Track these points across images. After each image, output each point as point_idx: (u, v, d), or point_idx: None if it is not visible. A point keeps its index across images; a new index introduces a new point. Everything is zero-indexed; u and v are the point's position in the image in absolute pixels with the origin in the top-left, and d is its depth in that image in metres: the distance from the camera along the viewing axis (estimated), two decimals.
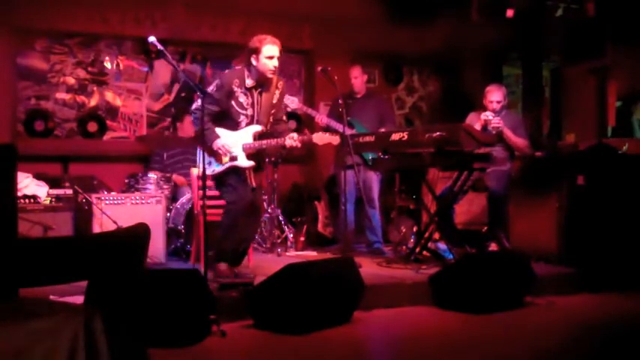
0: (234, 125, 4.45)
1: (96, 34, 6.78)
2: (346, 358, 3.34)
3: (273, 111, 4.56)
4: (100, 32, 6.75)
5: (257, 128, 4.47)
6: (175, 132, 6.79)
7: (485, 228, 5.66)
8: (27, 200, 5.04)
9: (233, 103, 4.40)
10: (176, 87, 7.15)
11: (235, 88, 4.40)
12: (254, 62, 4.37)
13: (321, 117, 5.86)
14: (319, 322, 3.64)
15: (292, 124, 7.63)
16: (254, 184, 4.54)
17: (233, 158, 4.42)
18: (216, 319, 3.46)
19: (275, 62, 4.35)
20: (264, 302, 3.68)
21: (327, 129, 5.82)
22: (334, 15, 7.29)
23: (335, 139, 4.52)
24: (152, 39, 4.12)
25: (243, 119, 4.45)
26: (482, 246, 5.51)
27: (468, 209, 5.92)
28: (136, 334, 2.49)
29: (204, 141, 4.36)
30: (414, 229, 6.00)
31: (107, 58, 6.94)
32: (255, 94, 4.46)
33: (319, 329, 3.61)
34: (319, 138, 4.46)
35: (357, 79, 5.96)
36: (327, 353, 3.36)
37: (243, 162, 4.44)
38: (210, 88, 4.42)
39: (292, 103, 5.64)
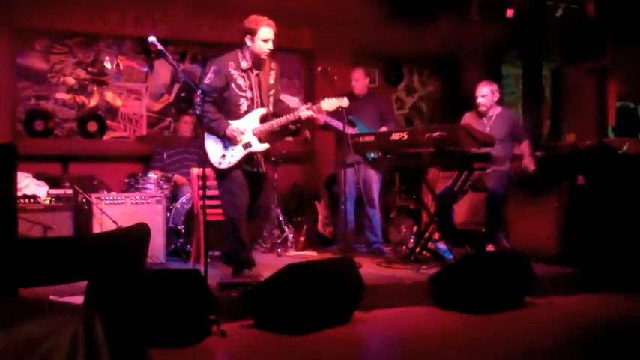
0: (235, 111, 4.38)
1: (96, 34, 6.78)
2: (346, 358, 3.34)
3: (271, 92, 4.52)
4: (100, 32, 6.75)
5: (262, 111, 4.42)
6: (176, 132, 6.79)
7: (485, 228, 5.66)
8: (27, 200, 5.04)
9: (232, 85, 4.35)
10: (176, 87, 7.15)
11: (232, 71, 4.35)
12: (249, 43, 4.35)
13: (321, 115, 5.78)
14: (319, 322, 3.65)
15: (292, 124, 7.64)
16: (263, 169, 4.50)
17: (247, 145, 4.38)
18: (216, 319, 3.46)
19: (270, 45, 4.34)
20: (264, 302, 3.68)
21: (326, 128, 5.82)
22: (334, 15, 7.28)
23: (344, 102, 4.56)
24: (152, 39, 4.13)
25: (243, 102, 4.39)
26: (482, 246, 5.50)
27: (468, 209, 5.92)
28: (136, 334, 2.49)
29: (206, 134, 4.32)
30: (414, 229, 6.00)
31: (107, 58, 6.94)
32: (253, 76, 4.42)
33: (319, 329, 3.61)
34: (328, 104, 4.49)
35: (359, 81, 5.95)
36: (327, 353, 3.36)
37: (257, 146, 4.40)
38: (208, 76, 4.39)
39: (292, 103, 5.63)
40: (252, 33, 4.33)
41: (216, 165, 4.40)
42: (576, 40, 7.24)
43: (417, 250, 5.27)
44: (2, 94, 6.33)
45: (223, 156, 4.38)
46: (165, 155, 6.09)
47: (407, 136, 5.00)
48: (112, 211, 4.99)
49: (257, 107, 4.42)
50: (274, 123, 4.42)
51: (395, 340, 3.65)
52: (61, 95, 6.77)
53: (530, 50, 7.75)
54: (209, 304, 3.47)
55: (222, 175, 4.41)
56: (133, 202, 5.18)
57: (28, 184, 5.13)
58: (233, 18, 7.23)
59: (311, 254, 5.81)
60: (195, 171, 5.12)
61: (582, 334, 3.78)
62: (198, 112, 4.43)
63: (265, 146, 4.43)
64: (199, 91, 4.25)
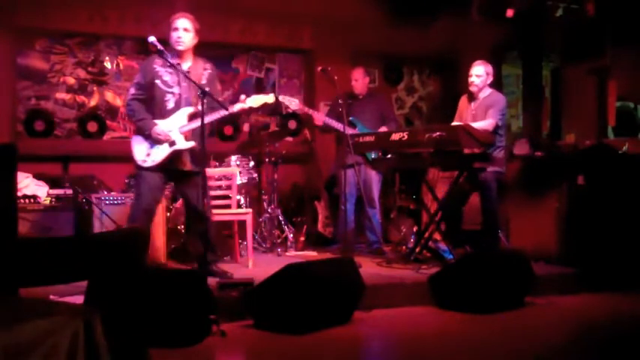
0: (161, 108, 4.38)
1: (96, 34, 6.79)
2: (346, 358, 3.34)
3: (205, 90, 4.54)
4: (100, 32, 6.76)
5: (189, 110, 4.40)
6: None
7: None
8: (27, 200, 5.04)
9: (158, 82, 4.37)
10: None
11: (158, 68, 4.39)
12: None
13: (319, 117, 5.79)
14: (319, 322, 3.64)
15: (292, 124, 7.65)
16: (189, 167, 4.46)
17: (172, 143, 4.37)
18: (216, 319, 3.46)
19: (179, 34, 4.35)
20: (264, 302, 3.68)
21: (325, 129, 5.83)
22: (334, 15, 7.29)
23: (270, 98, 4.55)
24: (152, 39, 4.14)
25: (169, 98, 4.39)
26: (482, 246, 5.48)
27: (468, 209, 5.92)
28: (136, 333, 2.49)
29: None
30: (414, 229, 6.00)
31: (107, 58, 6.94)
32: (182, 74, 4.41)
33: (319, 329, 3.61)
34: (253, 100, 4.49)
35: (359, 81, 5.94)
36: (327, 353, 3.36)
37: (183, 144, 4.38)
38: (137, 76, 4.45)
39: (292, 104, 5.64)
40: (169, 27, 4.40)
41: (140, 163, 4.40)
42: (576, 40, 7.24)
43: (417, 250, 5.27)
44: (2, 94, 6.33)
45: (148, 154, 4.39)
46: None
47: (407, 136, 5.00)
48: (112, 211, 4.99)
49: (185, 105, 4.41)
50: (202, 121, 4.39)
51: (395, 340, 3.65)
52: (61, 95, 6.77)
53: (530, 50, 7.75)
54: (209, 304, 3.47)
55: (139, 173, 4.43)
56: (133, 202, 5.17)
57: (28, 184, 5.13)
58: (233, 18, 7.28)
59: (311, 254, 5.81)
60: None
61: (582, 334, 3.78)
62: (127, 111, 4.51)
63: (191, 144, 4.39)
64: (134, 85, 4.38)
